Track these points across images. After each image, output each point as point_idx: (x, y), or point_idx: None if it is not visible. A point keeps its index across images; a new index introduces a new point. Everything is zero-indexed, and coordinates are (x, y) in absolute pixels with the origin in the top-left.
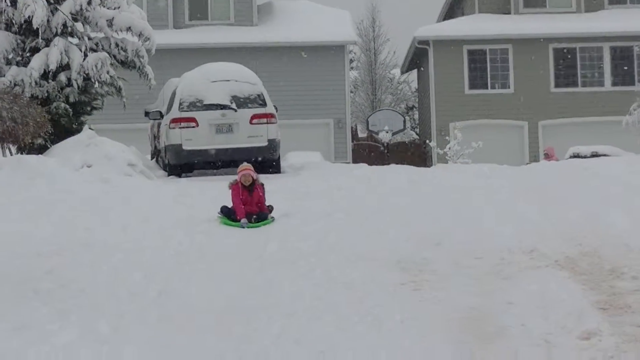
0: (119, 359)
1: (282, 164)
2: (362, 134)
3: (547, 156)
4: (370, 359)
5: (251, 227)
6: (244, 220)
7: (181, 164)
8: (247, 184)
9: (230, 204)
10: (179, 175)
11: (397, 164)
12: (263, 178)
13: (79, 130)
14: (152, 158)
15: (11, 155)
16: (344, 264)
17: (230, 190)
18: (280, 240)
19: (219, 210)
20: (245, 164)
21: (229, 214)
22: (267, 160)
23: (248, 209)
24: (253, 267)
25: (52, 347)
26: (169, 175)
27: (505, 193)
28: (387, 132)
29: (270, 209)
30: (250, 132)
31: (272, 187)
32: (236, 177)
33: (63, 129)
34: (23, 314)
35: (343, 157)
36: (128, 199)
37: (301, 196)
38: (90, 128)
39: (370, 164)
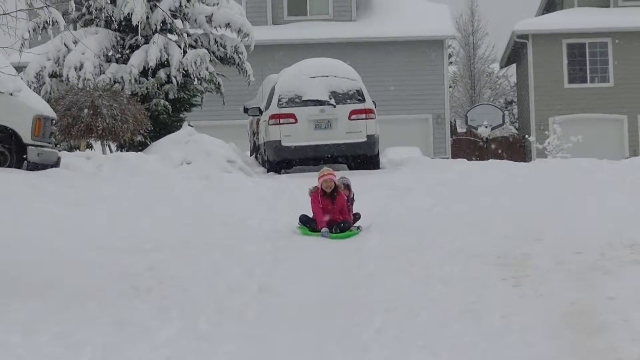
0: (219, 355)
1: (381, 159)
2: (461, 129)
3: None
4: (470, 355)
5: (334, 238)
6: (324, 230)
7: (280, 160)
8: (328, 190)
9: (310, 213)
10: (278, 172)
11: (496, 159)
12: (361, 174)
13: (178, 127)
14: (251, 154)
15: (111, 152)
16: (444, 260)
17: (310, 197)
18: (380, 235)
19: (299, 219)
20: (326, 168)
21: (307, 223)
22: (366, 156)
23: (330, 218)
24: (353, 262)
25: (152, 343)
26: (268, 171)
27: (605, 187)
28: (486, 127)
29: (357, 217)
30: (349, 127)
31: (371, 182)
32: (316, 183)
33: (162, 125)
34: (123, 310)
35: (442, 152)
36: (228, 195)
37: (400, 191)
38: (189, 125)
39: (469, 159)
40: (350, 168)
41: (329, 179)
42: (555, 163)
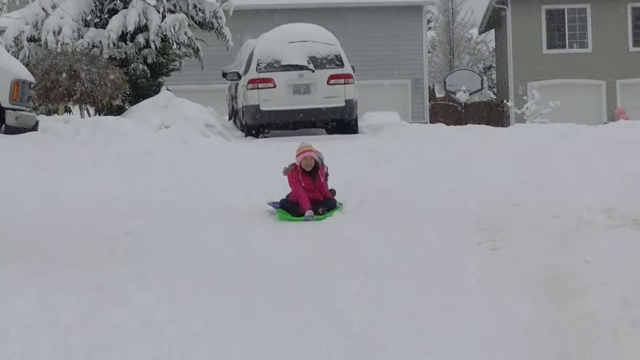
0: (197, 319)
1: (360, 124)
2: (439, 94)
3: (619, 115)
4: (447, 318)
5: (319, 219)
6: (309, 213)
7: (258, 124)
8: (308, 169)
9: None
10: (257, 136)
11: (474, 124)
12: (340, 139)
13: (156, 92)
14: (229, 119)
15: (89, 116)
16: (422, 224)
17: (287, 178)
18: (358, 199)
19: (273, 203)
20: (305, 144)
21: (289, 207)
22: (344, 121)
23: (312, 197)
24: (331, 227)
25: (130, 307)
26: (246, 135)
27: (583, 153)
28: (464, 92)
29: (333, 192)
30: (328, 92)
31: (349, 147)
32: (293, 161)
33: (141, 90)
34: (101, 274)
35: (420, 117)
36: (206, 159)
37: (379, 156)
38: (168, 89)
39: (447, 124)
40: (329, 132)
41: (309, 156)
42: (534, 128)
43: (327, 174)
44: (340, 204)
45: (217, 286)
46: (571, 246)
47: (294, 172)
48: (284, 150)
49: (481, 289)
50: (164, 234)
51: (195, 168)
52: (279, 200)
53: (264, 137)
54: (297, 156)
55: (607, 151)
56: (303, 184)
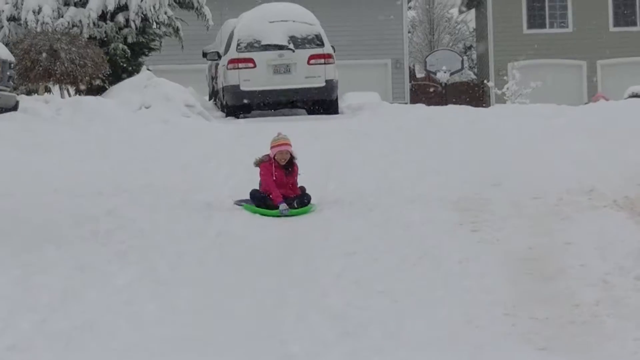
0: (178, 299)
1: (340, 104)
2: (419, 74)
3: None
4: (428, 299)
5: (293, 214)
6: (283, 206)
7: (239, 104)
8: (283, 162)
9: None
10: (237, 116)
11: (455, 104)
12: (320, 119)
13: (137, 72)
14: (210, 99)
15: (70, 96)
16: (402, 205)
17: (259, 169)
18: (338, 180)
19: (239, 202)
20: (281, 136)
21: (262, 201)
22: (324, 101)
23: (284, 193)
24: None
25: (111, 287)
26: (226, 116)
27: (564, 134)
28: (445, 72)
29: (302, 190)
30: (308, 72)
31: (329, 127)
32: (268, 152)
33: (121, 70)
34: (82, 254)
35: (401, 97)
36: (187, 139)
37: (359, 137)
38: (148, 69)
39: (428, 104)
40: (309, 113)
41: (285, 150)
42: (514, 108)
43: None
44: (313, 204)
45: (198, 267)
46: (552, 227)
47: (267, 164)
48: (264, 130)
49: (462, 269)
50: (145, 214)
51: (175, 148)
52: (249, 197)
53: (245, 117)
54: (272, 147)
55: (588, 132)
56: (275, 178)
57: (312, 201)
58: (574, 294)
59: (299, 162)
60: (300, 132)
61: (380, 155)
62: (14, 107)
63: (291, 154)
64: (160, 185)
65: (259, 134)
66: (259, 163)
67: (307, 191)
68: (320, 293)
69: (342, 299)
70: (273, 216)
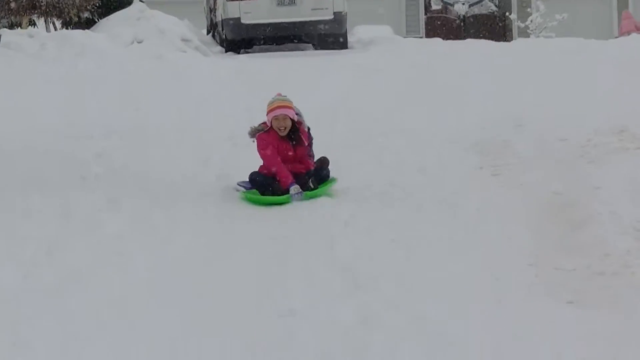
0: (173, 249)
1: (349, 38)
2: (435, 5)
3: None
4: (445, 248)
5: (309, 197)
6: (295, 188)
7: (240, 39)
8: (282, 132)
9: (258, 168)
10: (238, 52)
11: (474, 38)
12: (328, 54)
13: (128, 3)
14: (207, 33)
15: (56, 30)
16: (417, 146)
17: (257, 142)
18: (347, 120)
19: (244, 183)
20: (279, 97)
21: (265, 185)
22: (332, 35)
23: (292, 169)
24: (319, 149)
25: (101, 236)
26: (226, 51)
27: (592, 70)
28: (463, 3)
29: (325, 163)
30: (315, 4)
31: (338, 63)
32: (265, 120)
33: (111, 1)
34: (69, 201)
35: (415, 31)
36: (183, 77)
37: (370, 74)
38: (141, 0)
39: (444, 39)
40: (316, 48)
41: (282, 114)
42: (538, 43)
43: (310, 138)
44: (333, 177)
45: (194, 214)
46: (579, 171)
47: (266, 134)
48: (267, 67)
49: (482, 216)
50: (137, 157)
51: (170, 86)
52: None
53: (246, 52)
54: (268, 112)
55: (619, 67)
56: (277, 151)
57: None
58: (603, 243)
59: (306, 125)
60: (306, 68)
61: (393, 93)
62: None
63: (293, 120)
64: (154, 127)
65: (262, 71)
66: (254, 133)
67: (324, 164)
68: (327, 243)
69: (352, 249)
70: (283, 203)
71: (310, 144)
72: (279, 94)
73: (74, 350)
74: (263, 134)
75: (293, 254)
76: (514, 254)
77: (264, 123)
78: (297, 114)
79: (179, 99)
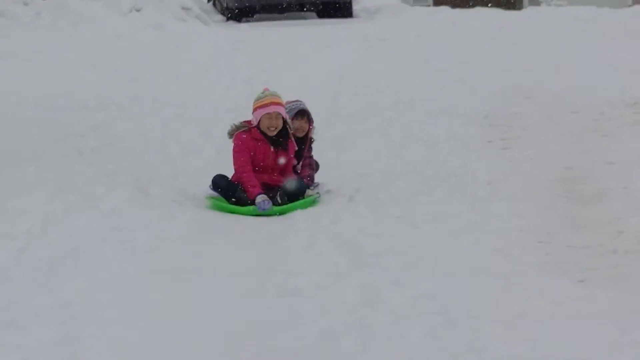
0: (173, 226)
1: (354, 7)
2: None
3: None
4: (453, 225)
5: (279, 211)
6: (261, 199)
7: (241, 7)
8: (272, 132)
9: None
10: (239, 20)
11: (483, 7)
12: (332, 24)
13: None
14: (208, 1)
15: None
16: (424, 120)
17: (234, 142)
18: (352, 92)
19: (212, 183)
20: (270, 92)
21: (229, 191)
22: (336, 3)
23: (268, 181)
24: (322, 123)
25: (97, 212)
26: (227, 20)
27: (604, 40)
28: None
29: (313, 168)
30: None
31: (343, 33)
32: (247, 117)
33: None
34: (65, 175)
35: None
36: (182, 46)
37: (375, 44)
38: None
39: (452, 7)
40: (320, 16)
41: (276, 112)
42: (549, 12)
43: (312, 141)
44: (318, 193)
45: (194, 189)
46: (591, 145)
47: (246, 134)
48: (270, 36)
49: (491, 192)
50: (135, 130)
51: (169, 56)
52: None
53: (248, 21)
54: (255, 109)
55: (633, 38)
56: (256, 155)
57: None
58: (616, 220)
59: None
60: (309, 38)
61: (399, 64)
62: None
63: (284, 120)
64: (152, 98)
65: (264, 41)
66: (233, 132)
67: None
68: (330, 219)
69: (355, 226)
70: (247, 214)
71: (310, 150)
72: (267, 89)
73: (71, 331)
74: (242, 134)
75: (296, 231)
76: (523, 230)
77: (247, 121)
78: (300, 109)
79: (178, 69)
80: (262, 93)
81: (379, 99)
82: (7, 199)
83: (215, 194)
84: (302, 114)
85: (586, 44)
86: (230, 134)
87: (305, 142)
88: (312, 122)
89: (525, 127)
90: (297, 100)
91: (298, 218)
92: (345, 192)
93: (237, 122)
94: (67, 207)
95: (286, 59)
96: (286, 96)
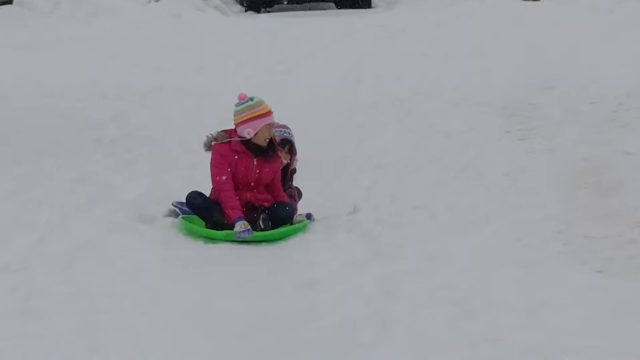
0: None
1: None
2: None
3: None
4: (471, 215)
5: (261, 238)
6: (240, 227)
7: None
8: (264, 143)
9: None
10: (258, 11)
11: None
12: (350, 14)
13: None
14: None
15: None
16: (443, 110)
17: (212, 153)
18: (371, 82)
19: (180, 205)
20: (259, 100)
21: (204, 211)
22: None
23: (252, 198)
24: (340, 113)
25: (116, 201)
26: (246, 10)
27: (625, 30)
28: None
29: (288, 197)
30: None
31: (361, 23)
32: (224, 128)
33: None
34: (84, 165)
35: None
36: (201, 36)
37: (395, 34)
38: None
39: None
40: (338, 7)
41: (272, 123)
42: (569, 2)
43: (294, 171)
44: (308, 215)
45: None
46: (610, 135)
47: (225, 146)
48: (289, 27)
49: (509, 182)
50: (154, 119)
51: (188, 46)
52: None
53: (266, 12)
54: (251, 119)
55: None
56: (233, 170)
57: (303, 213)
58: (634, 210)
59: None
60: (328, 28)
61: (418, 54)
62: (9, 1)
63: (273, 133)
64: (171, 88)
65: (282, 31)
66: (210, 144)
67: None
68: (349, 209)
69: (374, 216)
70: (223, 240)
71: (291, 175)
72: (245, 96)
73: (90, 320)
74: (221, 146)
75: (315, 221)
76: (542, 221)
77: (226, 131)
78: (282, 138)
79: (197, 59)
80: (250, 101)
81: (398, 90)
82: (27, 189)
83: (179, 208)
84: (284, 143)
85: (606, 34)
86: (207, 146)
87: (285, 173)
88: (296, 153)
89: (544, 118)
90: (284, 126)
91: (318, 207)
92: (363, 182)
93: (214, 132)
94: (87, 198)
95: (305, 50)
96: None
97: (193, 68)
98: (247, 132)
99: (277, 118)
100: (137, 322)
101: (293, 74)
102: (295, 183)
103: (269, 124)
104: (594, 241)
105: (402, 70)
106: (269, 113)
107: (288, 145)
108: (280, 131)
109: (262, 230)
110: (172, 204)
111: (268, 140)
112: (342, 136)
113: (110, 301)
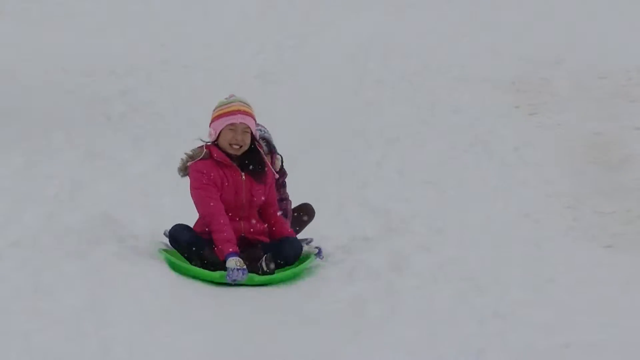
0: None
1: None
2: None
3: None
4: (480, 190)
5: (255, 283)
6: (233, 262)
7: None
8: (238, 151)
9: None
10: None
11: None
12: None
13: None
14: None
15: None
16: (452, 85)
17: (190, 176)
18: (379, 58)
19: (169, 236)
20: (237, 99)
21: (188, 246)
22: None
23: (245, 231)
24: (348, 89)
25: (124, 177)
26: None
27: (633, 5)
28: None
29: (299, 217)
30: None
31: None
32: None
33: None
34: (93, 140)
35: None
36: (210, 11)
37: (403, 7)
38: None
39: None
40: None
41: (243, 124)
42: None
43: (284, 182)
44: (317, 248)
45: None
46: (619, 110)
47: (205, 163)
48: (297, 2)
49: (518, 157)
50: (163, 95)
51: (197, 21)
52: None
53: None
54: (214, 119)
55: None
56: (222, 190)
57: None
58: None
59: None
60: (337, 4)
61: (428, 29)
62: None
63: (252, 135)
64: (180, 63)
65: (291, 7)
66: (186, 165)
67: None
68: (359, 184)
69: (384, 191)
70: (214, 280)
71: (283, 184)
72: (233, 95)
73: (100, 297)
74: (199, 163)
75: (325, 195)
76: (551, 196)
77: (201, 147)
78: (262, 138)
79: (205, 34)
80: (226, 99)
81: (406, 65)
82: (36, 163)
83: (165, 248)
84: (264, 141)
85: (615, 8)
86: (183, 170)
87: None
88: (275, 151)
89: (553, 93)
90: (258, 125)
91: (325, 183)
92: (373, 157)
93: (188, 151)
94: (95, 172)
95: (314, 26)
96: (318, 63)
97: (202, 44)
98: (209, 133)
99: (287, 94)
100: (146, 298)
101: (302, 49)
102: (305, 163)
103: (232, 124)
104: (603, 216)
105: (411, 46)
106: (235, 112)
107: (265, 143)
108: (260, 130)
109: (264, 273)
110: (165, 234)
111: (237, 147)
112: (351, 112)
113: (119, 278)
